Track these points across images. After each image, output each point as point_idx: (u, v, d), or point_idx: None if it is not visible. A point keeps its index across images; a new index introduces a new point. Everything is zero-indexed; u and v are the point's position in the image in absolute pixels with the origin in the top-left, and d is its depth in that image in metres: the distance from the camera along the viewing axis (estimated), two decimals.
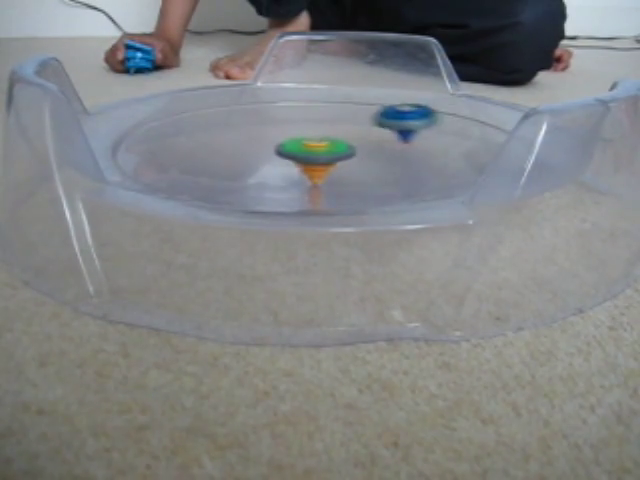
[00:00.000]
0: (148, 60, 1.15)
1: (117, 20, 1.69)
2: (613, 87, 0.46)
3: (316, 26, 1.27)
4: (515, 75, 1.13)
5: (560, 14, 1.12)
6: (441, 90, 0.80)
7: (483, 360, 0.35)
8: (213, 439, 0.29)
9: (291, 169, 0.50)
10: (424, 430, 0.29)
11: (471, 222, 0.37)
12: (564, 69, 1.31)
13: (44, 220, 0.45)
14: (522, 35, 1.06)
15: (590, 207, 0.51)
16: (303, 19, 1.25)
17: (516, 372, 0.34)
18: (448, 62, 0.80)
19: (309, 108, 0.80)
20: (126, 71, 1.15)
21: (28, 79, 0.44)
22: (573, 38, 1.70)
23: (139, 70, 1.15)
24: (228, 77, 1.13)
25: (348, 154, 0.49)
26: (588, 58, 1.51)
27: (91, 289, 0.39)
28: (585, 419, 0.30)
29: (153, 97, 0.78)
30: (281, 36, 0.85)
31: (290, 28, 1.21)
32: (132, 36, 1.19)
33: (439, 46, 0.80)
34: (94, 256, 0.38)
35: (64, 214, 0.39)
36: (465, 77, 0.86)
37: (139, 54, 1.14)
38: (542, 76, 1.17)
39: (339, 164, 0.50)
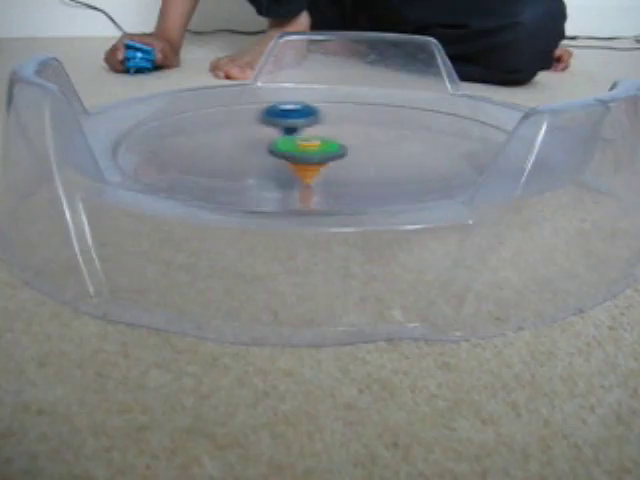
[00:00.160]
0: (148, 60, 1.15)
1: (117, 20, 1.69)
2: (613, 87, 0.46)
3: (316, 26, 1.27)
4: (515, 75, 1.13)
5: (560, 14, 1.11)
6: (441, 90, 0.80)
7: (483, 360, 0.35)
8: (213, 439, 0.29)
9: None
10: (424, 430, 0.29)
11: (471, 222, 0.37)
12: (564, 69, 1.31)
13: (44, 220, 0.45)
14: (522, 35, 1.06)
15: (590, 207, 0.51)
16: (303, 19, 1.25)
17: (516, 372, 0.34)
18: (448, 62, 0.80)
19: None
20: (126, 71, 1.15)
21: (28, 79, 0.44)
22: (573, 38, 1.70)
23: (139, 70, 1.15)
24: (228, 77, 1.13)
25: (339, 154, 0.49)
26: (588, 58, 1.51)
27: (91, 289, 0.39)
28: (585, 419, 0.30)
29: (153, 97, 0.78)
30: (281, 36, 0.85)
31: (290, 28, 1.21)
32: (132, 36, 1.19)
33: (439, 46, 0.80)
34: (94, 256, 0.38)
35: (64, 214, 0.39)
36: (465, 77, 0.86)
37: (139, 54, 1.14)
38: (542, 76, 1.17)
39: (332, 164, 0.50)
